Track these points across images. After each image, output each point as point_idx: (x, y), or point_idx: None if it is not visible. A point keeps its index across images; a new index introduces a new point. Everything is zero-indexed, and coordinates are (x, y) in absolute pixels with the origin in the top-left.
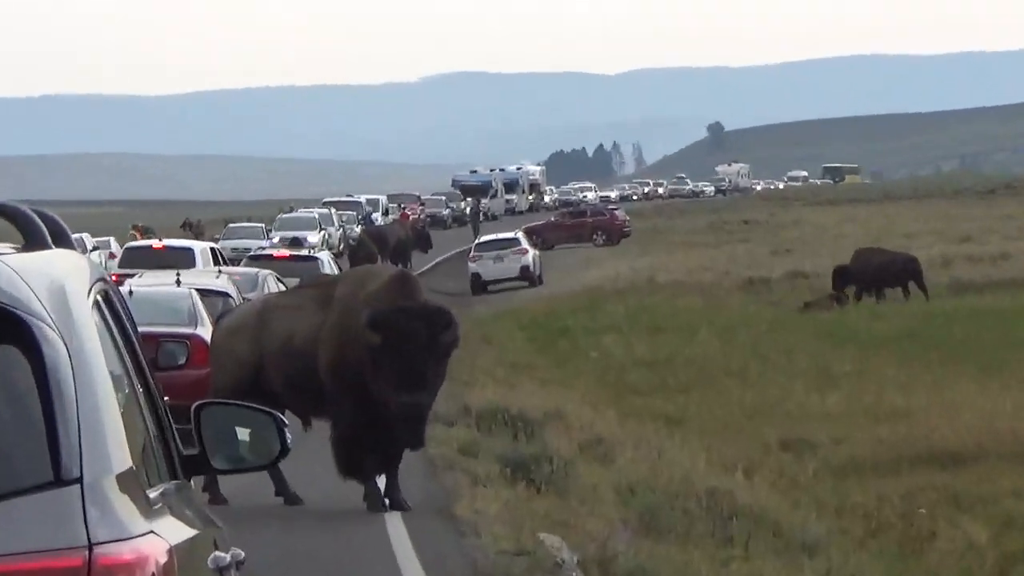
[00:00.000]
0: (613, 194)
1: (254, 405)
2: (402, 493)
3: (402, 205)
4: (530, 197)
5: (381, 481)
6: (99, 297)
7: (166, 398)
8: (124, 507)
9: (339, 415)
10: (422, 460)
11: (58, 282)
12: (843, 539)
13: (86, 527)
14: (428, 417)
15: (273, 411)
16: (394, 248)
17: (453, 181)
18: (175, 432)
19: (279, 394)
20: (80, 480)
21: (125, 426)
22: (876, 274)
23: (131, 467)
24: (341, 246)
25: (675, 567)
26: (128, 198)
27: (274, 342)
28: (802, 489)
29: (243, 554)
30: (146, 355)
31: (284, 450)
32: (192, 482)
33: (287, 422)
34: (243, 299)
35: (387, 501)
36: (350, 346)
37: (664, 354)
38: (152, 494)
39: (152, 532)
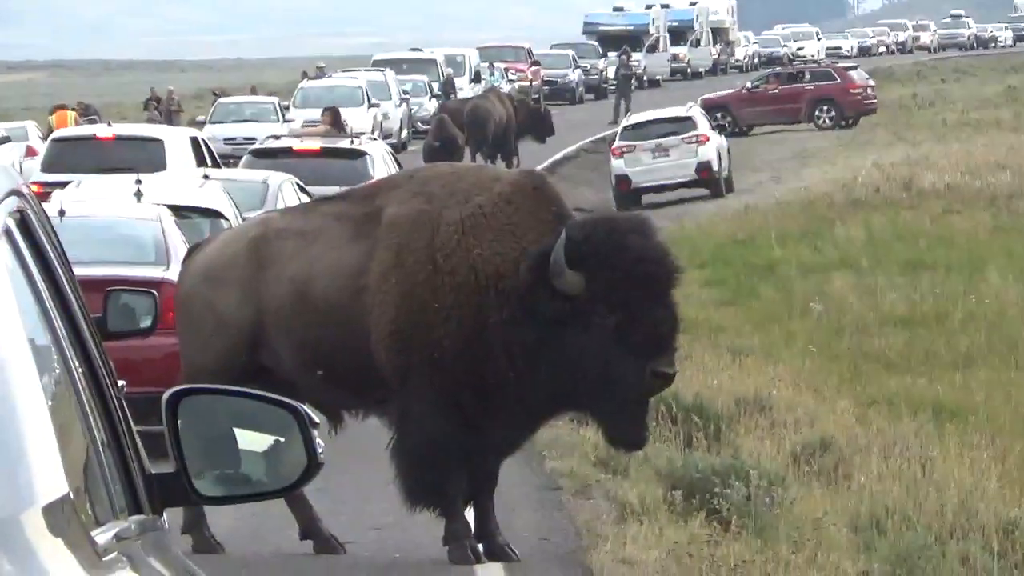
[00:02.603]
0: (846, 44)
1: (263, 393)
2: (503, 534)
3: (494, 66)
4: (713, 50)
5: (470, 516)
6: (11, 222)
7: (122, 383)
8: (56, 558)
9: (411, 409)
10: (535, 480)
11: None
12: None
13: None
14: None
15: (293, 402)
16: (494, 135)
17: (586, 25)
18: (137, 439)
19: (291, 376)
20: None
21: (56, 429)
22: None
23: (66, 494)
24: (404, 133)
25: None
26: (53, 59)
27: (280, 292)
28: None
29: None
30: (88, 314)
31: (312, 465)
32: (166, 517)
33: (316, 419)
34: (243, 221)
35: (480, 546)
36: (444, 297)
37: (931, 306)
38: (101, 537)
39: None
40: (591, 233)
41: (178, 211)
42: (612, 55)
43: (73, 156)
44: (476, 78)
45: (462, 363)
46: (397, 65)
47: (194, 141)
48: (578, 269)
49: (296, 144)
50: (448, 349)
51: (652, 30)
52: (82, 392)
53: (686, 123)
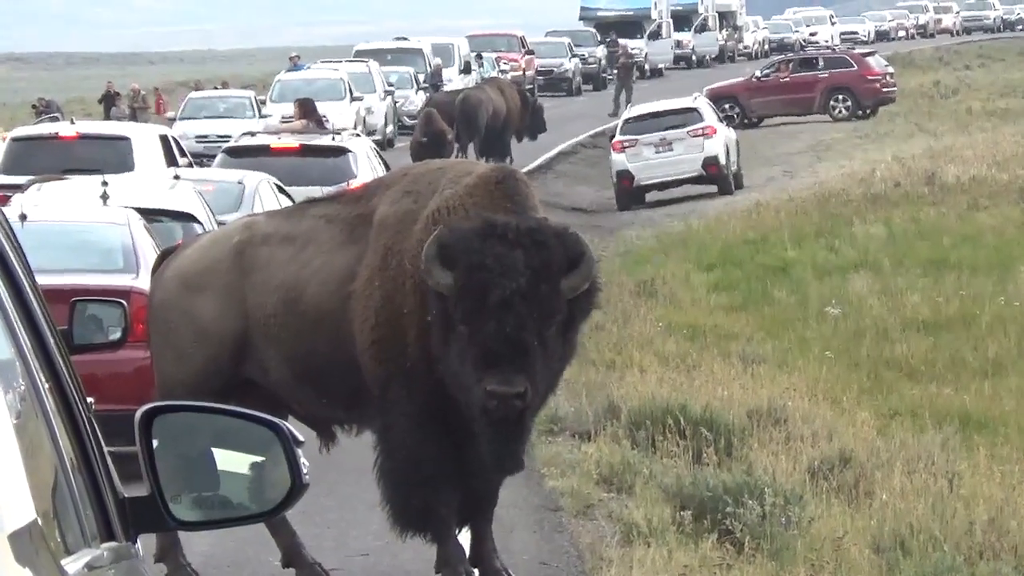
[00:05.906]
0: (862, 29)
1: (243, 410)
2: (500, 558)
3: (481, 55)
4: (719, 36)
5: (465, 539)
6: None
7: (91, 400)
8: None
9: (393, 425)
10: (534, 500)
11: None
12: None
13: None
14: (530, 422)
15: (274, 419)
16: (486, 130)
17: (583, 11)
18: (108, 460)
19: (279, 390)
20: None
21: (22, 450)
22: None
23: (34, 520)
24: (389, 128)
25: None
26: (11, 51)
27: (268, 301)
28: None
29: None
30: (54, 326)
31: (296, 487)
32: (139, 544)
33: (300, 438)
34: (218, 225)
35: (476, 572)
36: (413, 301)
37: (956, 309)
38: (71, 567)
39: None
40: (462, 233)
41: (148, 214)
42: (611, 41)
43: (34, 156)
44: (466, 69)
45: (432, 371)
46: (381, 55)
47: (164, 139)
48: (449, 269)
49: (274, 142)
50: (417, 357)
51: (654, 15)
52: (49, 410)
53: (691, 115)
